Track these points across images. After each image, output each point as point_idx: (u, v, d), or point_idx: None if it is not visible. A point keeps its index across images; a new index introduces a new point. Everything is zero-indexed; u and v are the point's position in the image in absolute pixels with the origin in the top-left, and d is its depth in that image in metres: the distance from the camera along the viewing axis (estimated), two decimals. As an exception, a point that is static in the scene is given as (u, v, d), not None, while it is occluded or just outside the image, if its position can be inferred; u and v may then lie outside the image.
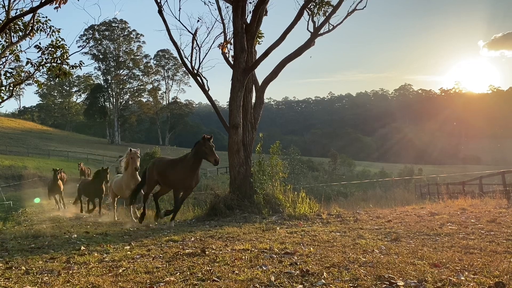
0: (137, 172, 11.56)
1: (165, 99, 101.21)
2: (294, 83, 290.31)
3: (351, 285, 3.56)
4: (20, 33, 11.76)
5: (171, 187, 9.84)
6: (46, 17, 11.87)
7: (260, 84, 12.12)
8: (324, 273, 3.90)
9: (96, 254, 5.38)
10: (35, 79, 12.82)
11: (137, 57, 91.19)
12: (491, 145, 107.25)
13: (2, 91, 12.37)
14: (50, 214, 16.42)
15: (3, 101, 12.51)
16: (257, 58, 11.72)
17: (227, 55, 12.14)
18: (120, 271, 4.32)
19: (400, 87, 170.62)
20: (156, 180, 9.87)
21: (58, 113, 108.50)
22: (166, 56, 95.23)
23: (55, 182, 17.67)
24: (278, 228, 7.28)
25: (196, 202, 17.32)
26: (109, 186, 13.75)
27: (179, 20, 12.36)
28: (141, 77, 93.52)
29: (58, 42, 11.99)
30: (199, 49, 12.12)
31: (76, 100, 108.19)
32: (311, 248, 5.17)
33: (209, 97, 12.13)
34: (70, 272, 4.41)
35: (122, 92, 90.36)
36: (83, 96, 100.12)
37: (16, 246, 6.69)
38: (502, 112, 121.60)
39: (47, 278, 4.20)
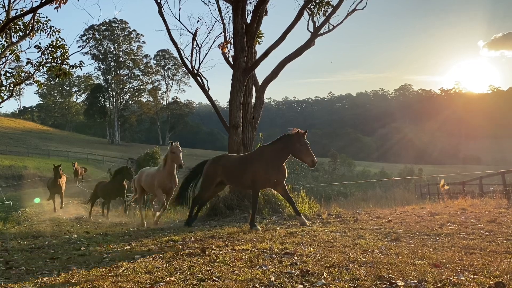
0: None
1: (165, 99, 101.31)
2: (294, 83, 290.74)
3: (351, 285, 3.56)
4: (20, 33, 11.79)
5: (243, 188, 9.03)
6: (46, 17, 11.93)
7: (260, 84, 12.13)
8: (324, 273, 3.89)
9: (96, 254, 5.37)
10: (35, 79, 12.86)
11: (137, 57, 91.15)
12: (491, 145, 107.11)
13: (2, 91, 12.40)
14: (50, 214, 16.41)
15: (3, 101, 12.53)
16: (257, 58, 11.72)
17: (227, 55, 12.14)
18: (120, 271, 4.32)
19: (400, 87, 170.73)
20: (220, 180, 8.79)
21: (58, 113, 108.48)
22: (166, 56, 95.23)
23: (56, 181, 16.69)
24: (278, 228, 7.28)
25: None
26: (136, 181, 11.49)
27: (179, 20, 12.39)
28: (141, 77, 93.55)
29: (58, 42, 12.03)
30: (199, 49, 12.15)
31: (76, 100, 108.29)
32: (311, 248, 5.16)
33: (209, 97, 12.13)
34: (70, 272, 4.41)
35: (122, 92, 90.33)
36: (83, 96, 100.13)
37: (16, 246, 6.69)
38: (502, 112, 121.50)
39: (47, 278, 4.20)
